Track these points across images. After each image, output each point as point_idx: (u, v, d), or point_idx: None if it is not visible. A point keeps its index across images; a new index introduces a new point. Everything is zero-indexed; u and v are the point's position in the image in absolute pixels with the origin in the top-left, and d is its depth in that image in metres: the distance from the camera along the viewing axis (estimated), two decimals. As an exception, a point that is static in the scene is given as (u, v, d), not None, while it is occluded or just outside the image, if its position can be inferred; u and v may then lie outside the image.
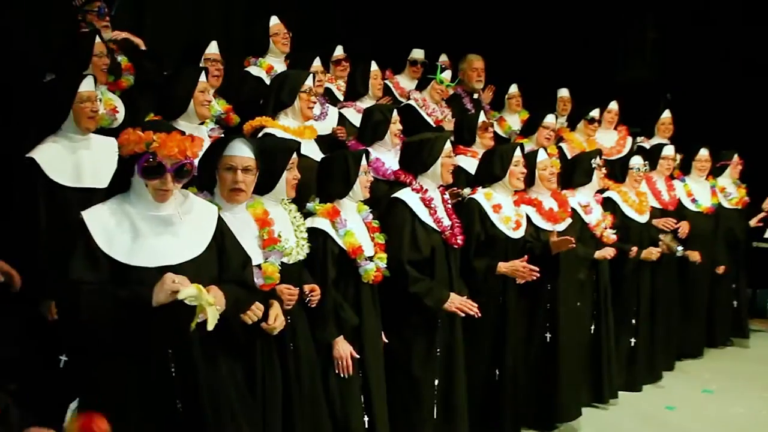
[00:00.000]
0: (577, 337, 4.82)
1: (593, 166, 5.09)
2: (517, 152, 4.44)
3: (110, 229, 2.52)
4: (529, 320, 4.64)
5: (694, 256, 5.92)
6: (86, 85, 3.48)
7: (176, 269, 2.48)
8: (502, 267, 4.21)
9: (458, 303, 3.84)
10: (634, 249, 5.31)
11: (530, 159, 4.75)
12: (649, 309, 5.67)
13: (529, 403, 4.65)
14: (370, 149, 4.51)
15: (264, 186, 3.20)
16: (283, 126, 4.12)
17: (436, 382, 3.93)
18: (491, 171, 4.46)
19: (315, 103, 4.34)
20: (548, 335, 4.67)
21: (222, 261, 2.71)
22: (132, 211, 2.57)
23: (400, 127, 4.61)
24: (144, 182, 2.55)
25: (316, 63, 5.04)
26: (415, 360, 3.89)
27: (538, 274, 4.20)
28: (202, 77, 3.88)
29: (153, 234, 2.56)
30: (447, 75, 5.96)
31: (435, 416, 3.92)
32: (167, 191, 2.55)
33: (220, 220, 2.76)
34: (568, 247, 4.34)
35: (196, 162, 2.63)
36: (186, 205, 2.68)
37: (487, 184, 4.49)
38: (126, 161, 2.55)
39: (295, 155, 3.27)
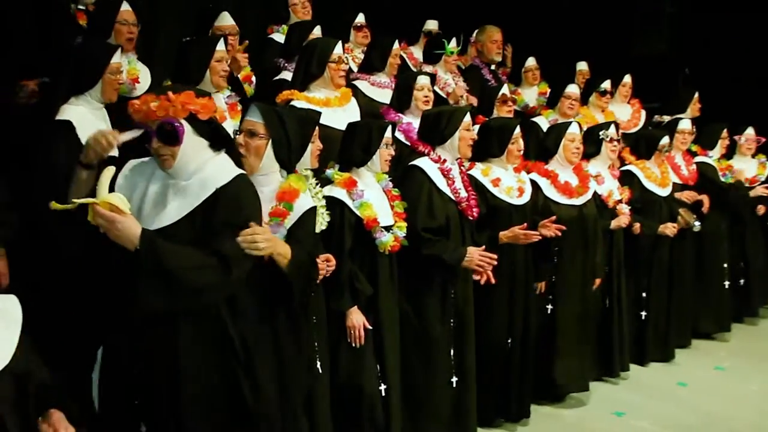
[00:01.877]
0: (579, 309, 4.78)
1: (601, 137, 5.07)
2: (517, 131, 4.33)
3: (132, 190, 2.57)
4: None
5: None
6: (117, 57, 3.48)
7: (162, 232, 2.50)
8: (503, 236, 4.16)
9: (478, 256, 3.80)
10: (637, 226, 5.24)
11: (560, 129, 4.73)
12: (662, 284, 5.64)
13: (538, 375, 4.63)
14: (402, 115, 4.52)
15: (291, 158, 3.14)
16: (309, 98, 4.10)
17: (452, 351, 3.93)
18: (488, 149, 4.34)
19: (345, 71, 4.27)
20: (549, 306, 4.67)
21: (205, 227, 2.55)
22: (152, 173, 2.60)
23: (427, 94, 4.54)
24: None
25: (316, 31, 4.88)
26: (430, 328, 3.88)
27: (539, 237, 4.18)
28: (221, 46, 3.83)
29: (151, 198, 2.56)
30: (453, 44, 5.89)
31: (454, 384, 3.93)
32: (162, 156, 2.51)
33: (224, 188, 2.55)
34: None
35: (179, 123, 2.49)
36: (198, 172, 2.57)
37: (486, 159, 4.38)
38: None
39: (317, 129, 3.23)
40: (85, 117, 3.36)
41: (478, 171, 4.32)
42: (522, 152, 4.42)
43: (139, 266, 2.37)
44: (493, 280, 3.90)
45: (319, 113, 3.33)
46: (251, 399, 2.61)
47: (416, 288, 3.88)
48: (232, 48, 4.56)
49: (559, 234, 4.31)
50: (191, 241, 2.48)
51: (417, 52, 6.35)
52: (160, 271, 2.38)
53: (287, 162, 2.99)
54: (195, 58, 3.78)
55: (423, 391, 3.89)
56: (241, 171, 2.63)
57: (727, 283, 6.46)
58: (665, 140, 5.66)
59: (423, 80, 4.56)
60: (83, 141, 3.18)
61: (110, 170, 2.47)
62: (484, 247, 3.90)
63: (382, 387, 3.60)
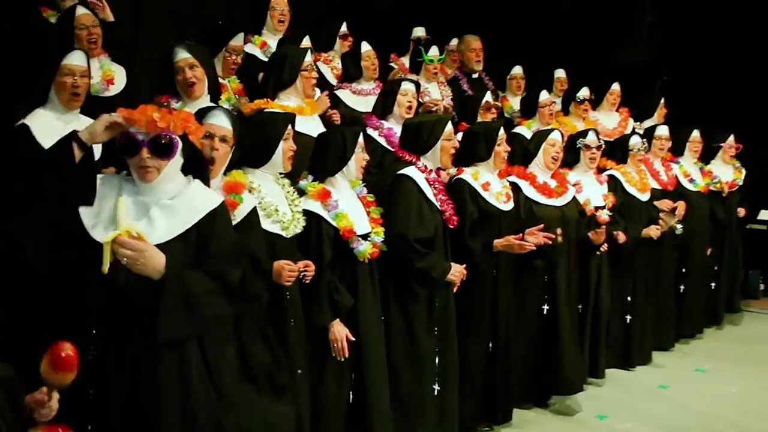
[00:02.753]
0: (574, 309, 4.86)
1: (578, 145, 5.14)
2: (501, 132, 4.37)
3: (101, 201, 2.48)
4: (525, 293, 4.65)
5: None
6: (72, 59, 3.40)
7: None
8: (498, 244, 4.20)
9: (459, 272, 3.91)
10: (621, 236, 5.27)
11: (541, 135, 4.79)
12: (645, 287, 5.72)
13: (527, 378, 4.69)
14: (383, 120, 4.57)
15: (259, 158, 3.21)
16: (282, 106, 4.07)
17: (437, 359, 3.95)
18: (476, 153, 4.36)
19: (316, 78, 4.28)
20: (546, 307, 4.70)
21: (200, 253, 2.52)
22: (125, 188, 2.51)
23: (411, 100, 4.59)
24: (128, 162, 2.49)
25: (306, 42, 4.89)
26: (419, 337, 3.89)
27: (534, 247, 4.22)
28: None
29: (132, 216, 2.46)
30: (434, 51, 5.88)
31: (436, 393, 3.94)
32: (147, 168, 2.45)
33: (215, 213, 2.57)
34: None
35: (176, 137, 2.49)
36: (181, 193, 2.54)
37: (474, 164, 4.41)
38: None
39: (290, 128, 3.27)
40: (49, 122, 3.32)
41: (468, 175, 4.32)
42: (507, 155, 4.46)
43: (164, 294, 2.34)
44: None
45: (294, 114, 3.37)
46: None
47: (404, 297, 3.89)
48: (236, 67, 4.64)
49: (549, 242, 4.35)
50: (184, 263, 2.46)
51: (408, 61, 6.34)
52: (187, 300, 2.37)
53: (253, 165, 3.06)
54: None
55: (413, 400, 3.89)
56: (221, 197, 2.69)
57: (713, 284, 6.64)
58: (634, 140, 5.72)
59: (407, 86, 4.62)
60: (43, 145, 3.15)
61: (124, 199, 2.45)
62: (465, 266, 3.95)
63: (351, 395, 3.58)
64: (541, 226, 4.36)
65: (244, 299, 2.62)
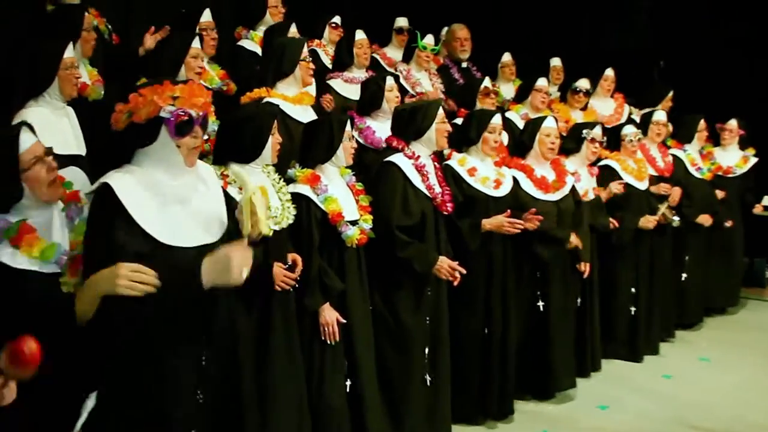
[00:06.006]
0: (569, 305, 4.77)
1: (583, 135, 5.05)
2: (495, 119, 4.34)
3: (141, 203, 2.21)
4: (519, 288, 4.57)
5: (705, 220, 6.12)
6: (69, 52, 3.40)
7: (213, 247, 2.25)
8: (487, 224, 4.16)
9: (447, 266, 3.82)
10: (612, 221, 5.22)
11: (535, 124, 4.71)
12: (648, 278, 5.61)
13: (526, 371, 4.61)
14: (366, 118, 4.60)
15: (249, 154, 3.17)
16: (282, 95, 4.15)
17: (426, 350, 3.90)
18: (467, 134, 4.39)
19: (313, 68, 4.35)
20: (541, 304, 4.63)
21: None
22: (156, 180, 2.26)
23: (398, 95, 4.64)
24: (174, 143, 2.26)
25: (293, 30, 4.95)
26: (404, 322, 3.86)
27: (523, 225, 4.17)
28: (196, 43, 3.83)
29: (181, 207, 2.29)
30: (429, 39, 5.85)
31: (428, 384, 3.91)
32: (198, 148, 2.32)
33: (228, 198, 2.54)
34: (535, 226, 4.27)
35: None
36: (204, 179, 2.41)
37: (465, 148, 4.43)
38: (135, 129, 2.24)
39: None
40: (46, 118, 3.30)
41: (454, 161, 4.34)
42: (499, 145, 4.42)
43: None
44: (457, 279, 3.87)
45: (277, 106, 3.33)
46: None
47: (389, 283, 3.86)
48: (214, 43, 4.63)
49: (537, 225, 4.28)
50: None
51: (390, 51, 6.28)
52: None
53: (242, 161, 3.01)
54: (169, 55, 3.78)
55: (399, 388, 3.86)
56: None
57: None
58: (628, 129, 5.62)
59: (390, 81, 4.65)
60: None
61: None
62: (457, 263, 3.87)
63: (348, 383, 3.59)
64: (534, 210, 4.29)
65: None
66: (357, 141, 4.46)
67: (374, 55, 6.05)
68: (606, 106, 6.48)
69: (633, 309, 5.53)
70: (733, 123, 6.78)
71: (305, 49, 4.25)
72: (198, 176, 2.39)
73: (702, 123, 6.50)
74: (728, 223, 6.42)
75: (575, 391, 4.87)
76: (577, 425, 4.51)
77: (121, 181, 2.22)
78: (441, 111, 4.02)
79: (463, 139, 4.42)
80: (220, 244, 2.25)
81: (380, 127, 4.56)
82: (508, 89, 6.52)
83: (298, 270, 3.23)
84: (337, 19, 5.86)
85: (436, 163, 4.13)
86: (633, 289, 5.53)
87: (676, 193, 5.80)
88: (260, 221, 2.31)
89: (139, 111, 2.22)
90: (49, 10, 4.28)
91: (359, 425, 3.61)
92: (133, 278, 2.06)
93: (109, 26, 4.50)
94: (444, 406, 4.00)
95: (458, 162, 4.32)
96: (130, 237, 2.16)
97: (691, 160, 6.39)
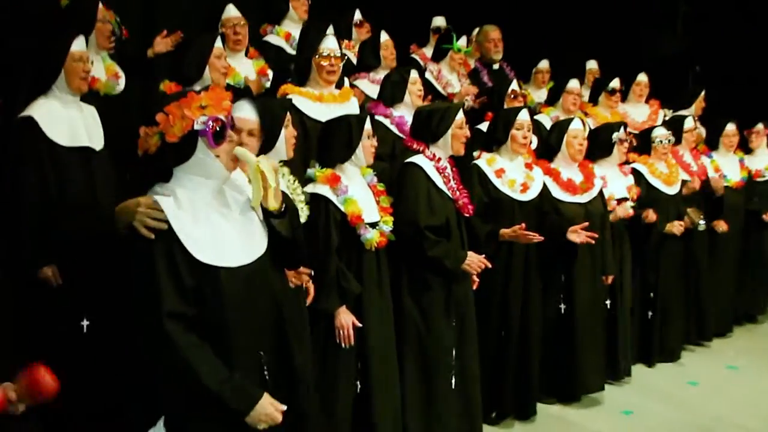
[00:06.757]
0: (588, 308, 4.72)
1: (614, 140, 4.99)
2: (521, 116, 4.30)
3: (189, 227, 2.20)
4: (543, 291, 4.56)
5: (721, 225, 5.93)
6: (78, 45, 3.36)
7: (261, 260, 2.32)
8: (505, 234, 4.14)
9: (477, 261, 3.82)
10: (651, 214, 5.13)
11: (562, 126, 4.69)
12: (670, 284, 5.53)
13: (550, 375, 4.61)
14: (392, 108, 4.54)
15: (262, 148, 3.08)
16: (304, 92, 4.10)
17: (454, 351, 3.89)
18: (494, 134, 4.40)
19: (334, 66, 4.18)
20: (563, 306, 4.62)
21: None
22: (200, 196, 2.26)
23: (421, 89, 4.60)
24: (214, 154, 2.23)
25: (330, 30, 4.80)
26: (435, 326, 3.84)
27: (541, 238, 4.14)
28: (218, 43, 3.82)
29: (225, 222, 2.28)
30: (463, 42, 5.83)
31: (453, 386, 3.89)
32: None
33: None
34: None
35: None
36: (240, 185, 2.41)
37: (495, 148, 4.42)
38: (171, 149, 2.20)
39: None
40: (56, 111, 3.30)
41: (483, 161, 4.32)
42: (528, 143, 4.39)
43: None
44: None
45: (290, 100, 3.33)
46: None
47: (419, 285, 3.84)
48: (243, 39, 4.62)
49: (592, 241, 4.30)
50: None
51: (429, 51, 6.24)
52: None
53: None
54: (193, 55, 3.76)
55: (428, 394, 3.83)
56: None
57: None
58: (658, 131, 5.54)
59: (414, 74, 4.61)
60: (50, 136, 3.22)
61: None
62: (484, 255, 3.87)
63: (358, 384, 3.55)
64: (586, 224, 4.30)
65: None
66: (390, 131, 4.44)
67: (413, 55, 6.09)
68: (639, 111, 6.42)
69: (649, 313, 5.48)
70: (759, 126, 6.67)
71: (324, 44, 4.11)
72: (235, 181, 2.40)
73: (730, 128, 6.36)
74: (722, 228, 6.07)
75: (601, 396, 4.85)
76: (598, 430, 4.49)
77: (169, 207, 2.20)
78: (460, 115, 3.95)
79: (491, 140, 4.41)
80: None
81: (410, 119, 4.45)
82: (539, 94, 6.49)
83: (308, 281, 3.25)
84: (358, 15, 5.78)
85: (454, 168, 4.10)
86: (651, 294, 5.47)
87: (695, 182, 5.73)
88: (272, 189, 2.29)
89: (172, 130, 2.18)
90: (64, 4, 4.31)
91: (367, 428, 3.57)
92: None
93: (118, 19, 4.46)
94: (475, 409, 3.97)
95: (486, 162, 4.31)
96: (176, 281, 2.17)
97: (715, 166, 6.27)
